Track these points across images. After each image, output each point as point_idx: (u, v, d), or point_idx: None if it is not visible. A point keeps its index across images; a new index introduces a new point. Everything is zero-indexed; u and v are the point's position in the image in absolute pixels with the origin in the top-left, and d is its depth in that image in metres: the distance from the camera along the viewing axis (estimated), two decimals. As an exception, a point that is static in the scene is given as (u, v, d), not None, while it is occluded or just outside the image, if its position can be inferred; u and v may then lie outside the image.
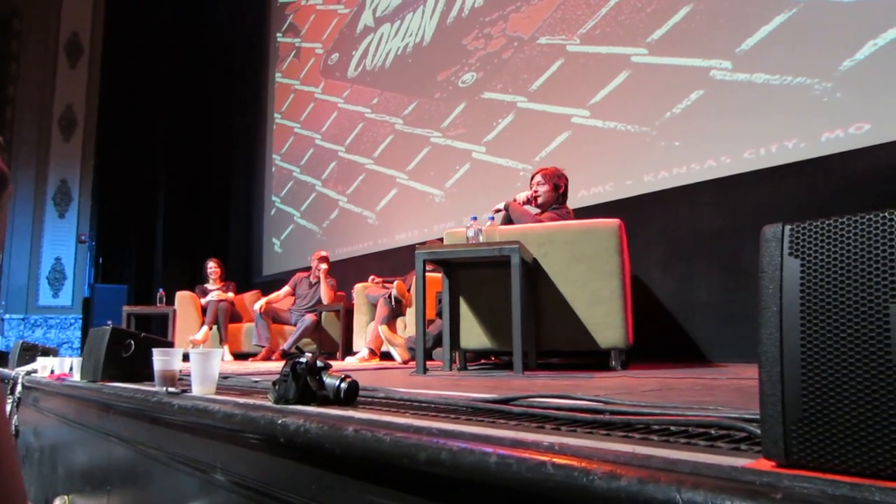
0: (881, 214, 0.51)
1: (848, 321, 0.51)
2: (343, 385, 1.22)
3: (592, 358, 3.01)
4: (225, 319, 5.76)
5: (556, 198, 3.28)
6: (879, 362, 0.49)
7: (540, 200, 3.29)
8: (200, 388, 1.57)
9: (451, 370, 2.78)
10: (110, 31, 8.72)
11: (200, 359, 1.59)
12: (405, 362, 3.86)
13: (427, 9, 5.92)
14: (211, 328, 5.73)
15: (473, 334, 2.89)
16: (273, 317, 5.59)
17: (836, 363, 0.51)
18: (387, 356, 4.33)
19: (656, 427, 0.82)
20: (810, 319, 0.53)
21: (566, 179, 3.36)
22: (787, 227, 0.56)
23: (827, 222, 0.54)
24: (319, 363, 1.26)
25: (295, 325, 5.46)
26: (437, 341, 3.30)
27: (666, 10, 3.90)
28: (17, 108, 8.26)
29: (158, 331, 6.36)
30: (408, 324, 4.32)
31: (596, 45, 4.31)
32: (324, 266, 5.48)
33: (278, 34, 8.45)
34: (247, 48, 8.92)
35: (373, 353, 4.43)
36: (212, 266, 6.19)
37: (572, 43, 4.47)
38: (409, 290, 4.37)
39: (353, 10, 6.95)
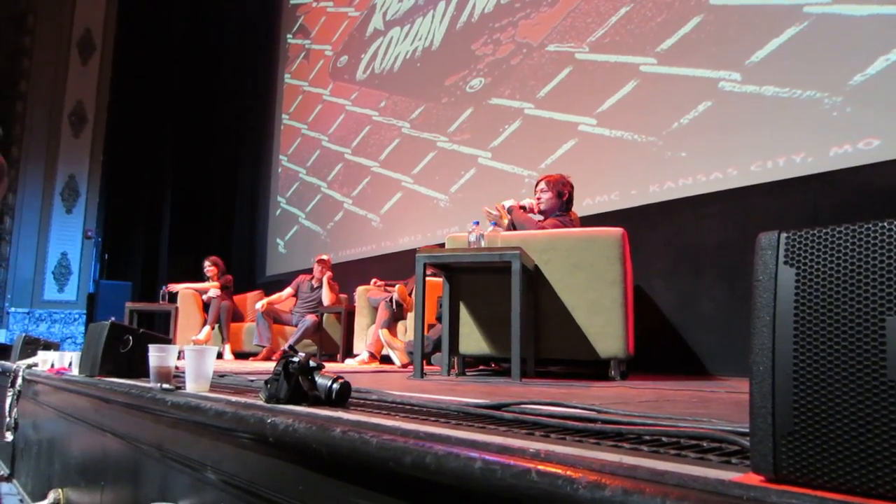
0: (880, 224, 0.50)
1: (843, 333, 0.49)
2: (335, 386, 1.21)
3: (592, 367, 2.99)
4: (227, 319, 5.77)
5: (559, 205, 3.25)
6: (874, 377, 0.47)
7: (542, 207, 3.27)
8: (194, 386, 1.56)
9: (449, 375, 2.76)
10: (122, 28, 8.80)
11: (195, 356, 1.58)
12: (404, 366, 3.85)
13: (437, 13, 5.92)
14: (213, 327, 5.72)
15: (473, 340, 2.87)
16: (274, 317, 5.59)
17: (829, 377, 0.49)
18: (387, 360, 4.32)
19: (647, 438, 0.80)
20: (804, 331, 0.51)
21: (571, 186, 3.33)
22: (783, 235, 0.55)
23: (824, 231, 0.53)
24: (312, 363, 1.25)
25: (296, 325, 5.46)
26: (437, 346, 3.28)
27: (676, 21, 3.89)
28: (28, 103, 8.32)
29: (161, 328, 6.36)
30: (408, 328, 4.30)
31: (605, 54, 4.30)
32: (328, 273, 5.50)
33: (288, 35, 8.49)
34: (257, 48, 8.96)
35: (373, 356, 4.42)
36: (207, 265, 6.14)
37: (581, 51, 4.46)
38: (410, 295, 4.36)
39: (364, 13, 6.98)
